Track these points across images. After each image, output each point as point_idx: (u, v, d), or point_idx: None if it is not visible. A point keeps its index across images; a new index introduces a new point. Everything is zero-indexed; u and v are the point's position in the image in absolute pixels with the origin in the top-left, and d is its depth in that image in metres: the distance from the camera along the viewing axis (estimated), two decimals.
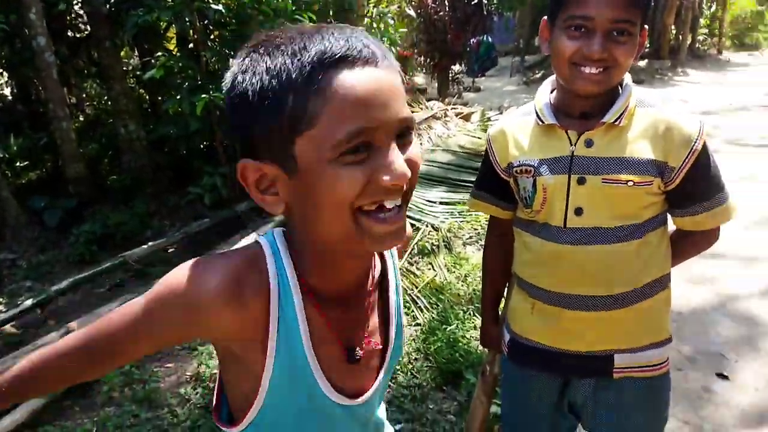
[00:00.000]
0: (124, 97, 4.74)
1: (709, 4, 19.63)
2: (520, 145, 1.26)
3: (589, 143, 1.16)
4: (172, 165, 4.95)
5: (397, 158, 0.64)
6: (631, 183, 1.13)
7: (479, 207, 1.43)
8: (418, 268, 3.69)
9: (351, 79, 0.62)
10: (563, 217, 1.19)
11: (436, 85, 11.29)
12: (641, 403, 1.29)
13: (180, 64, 3.67)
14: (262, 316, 0.73)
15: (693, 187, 1.17)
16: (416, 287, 3.40)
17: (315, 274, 0.76)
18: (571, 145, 1.18)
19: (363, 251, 0.76)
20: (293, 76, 0.62)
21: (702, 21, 19.27)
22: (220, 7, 3.76)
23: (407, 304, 3.22)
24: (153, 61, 3.77)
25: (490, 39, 14.03)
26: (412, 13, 8.30)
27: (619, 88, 1.19)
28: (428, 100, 9.11)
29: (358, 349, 0.80)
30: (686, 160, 1.13)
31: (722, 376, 2.61)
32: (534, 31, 19.20)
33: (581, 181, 1.17)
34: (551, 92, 1.27)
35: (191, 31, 3.90)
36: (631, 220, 1.18)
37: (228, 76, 0.68)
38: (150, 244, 4.03)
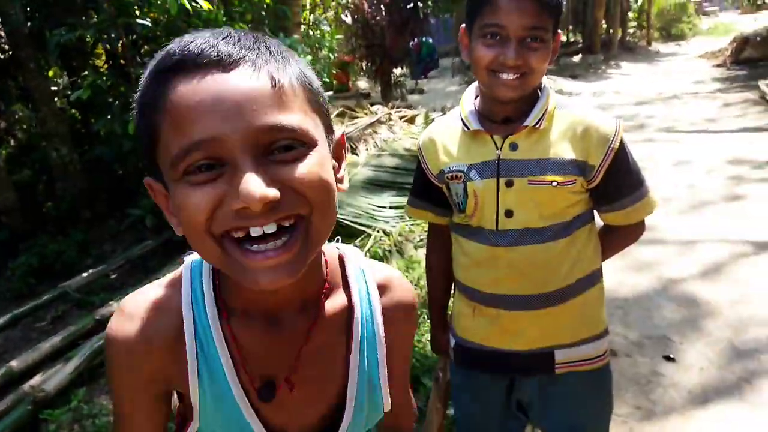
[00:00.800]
0: (54, 119, 4.52)
1: None
2: (449, 151, 1.28)
3: (513, 147, 1.20)
4: (109, 188, 4.76)
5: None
6: (555, 183, 1.17)
7: (417, 214, 1.44)
8: None
9: (184, 88, 0.55)
10: (494, 219, 1.22)
11: (379, 89, 11.33)
12: (585, 396, 1.33)
13: (109, 83, 3.53)
14: (178, 342, 0.69)
15: (614, 183, 1.21)
16: None
17: (233, 292, 0.70)
18: (497, 149, 1.21)
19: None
20: (145, 86, 0.59)
21: (630, 14, 20.11)
22: (147, 21, 3.64)
23: None
24: (79, 80, 3.61)
25: (430, 40, 14.21)
26: (348, 19, 8.30)
27: (538, 91, 1.22)
28: (372, 104, 9.12)
29: (277, 383, 0.72)
30: (605, 158, 1.18)
31: (669, 359, 2.70)
32: None
33: (509, 184, 1.20)
34: (475, 98, 1.30)
35: (119, 47, 3.75)
36: (559, 219, 1.22)
37: None
38: (91, 271, 3.86)
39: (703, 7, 26.08)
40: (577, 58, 16.40)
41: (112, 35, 3.64)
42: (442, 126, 1.35)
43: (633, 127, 7.86)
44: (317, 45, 7.42)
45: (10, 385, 2.70)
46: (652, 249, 3.86)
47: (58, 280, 3.91)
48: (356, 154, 5.89)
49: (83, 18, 3.65)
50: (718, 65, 12.94)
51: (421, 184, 1.38)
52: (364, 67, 11.17)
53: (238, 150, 0.54)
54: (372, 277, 0.81)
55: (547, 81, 1.25)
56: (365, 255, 3.69)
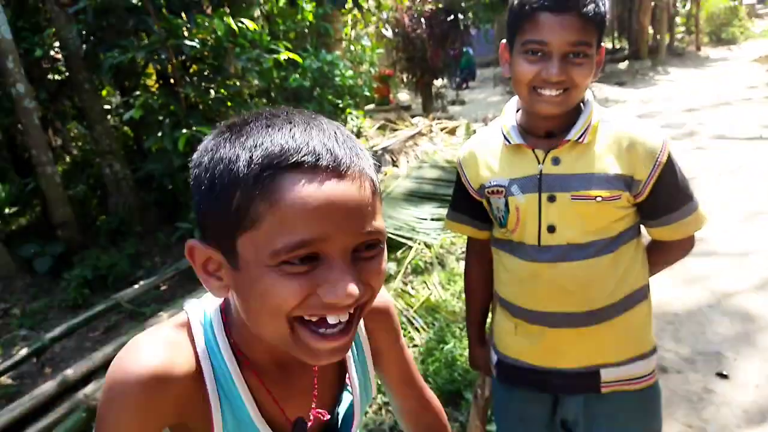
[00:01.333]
0: (107, 137, 4.73)
1: (683, 2, 19.94)
2: (490, 166, 1.27)
3: (556, 161, 1.18)
4: (159, 202, 4.93)
5: (344, 277, 0.59)
6: (599, 198, 1.15)
7: (456, 228, 1.43)
8: (413, 288, 3.67)
9: (301, 189, 0.57)
10: (537, 235, 1.20)
11: (420, 101, 11.37)
12: (632, 415, 1.29)
13: (159, 101, 3.68)
14: (197, 392, 0.69)
15: (662, 198, 1.18)
16: (411, 307, 3.38)
17: (254, 348, 0.73)
18: (539, 163, 1.19)
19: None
20: (244, 171, 0.58)
21: (678, 19, 19.56)
22: (195, 42, 3.78)
23: (404, 326, 3.19)
24: (131, 100, 3.78)
25: (470, 51, 14.18)
26: (388, 33, 8.38)
27: (581, 105, 1.20)
28: (413, 116, 9.16)
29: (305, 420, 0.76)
30: (652, 173, 1.15)
31: (722, 376, 2.59)
32: None
33: (551, 199, 1.18)
34: (517, 111, 1.28)
35: (169, 68, 3.91)
36: (604, 234, 1.19)
37: (197, 150, 0.65)
38: (142, 283, 4.00)
39: (755, 9, 25.12)
40: (623, 65, 16.05)
41: (162, 56, 3.80)
42: (482, 140, 1.33)
43: (683, 134, 7.62)
44: (358, 60, 7.54)
45: (65, 393, 2.82)
46: (705, 261, 3.73)
47: (110, 291, 4.07)
48: (396, 166, 5.93)
49: (135, 40, 3.82)
50: None
51: (460, 198, 1.37)
52: (405, 80, 11.24)
53: (339, 251, 0.59)
54: None
55: (590, 93, 1.23)
56: (407, 267, 3.69)
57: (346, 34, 7.38)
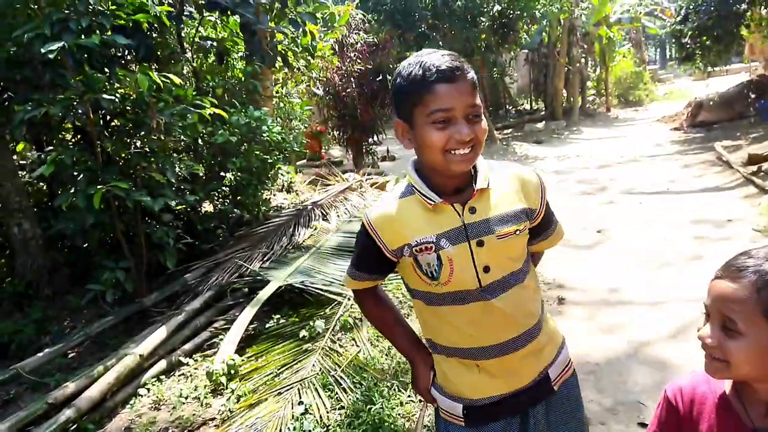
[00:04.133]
0: (17, 194, 4.45)
1: (594, 67, 21.62)
2: (411, 226, 1.34)
3: (472, 210, 1.33)
4: (71, 262, 4.64)
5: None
6: (518, 232, 1.35)
7: (358, 285, 1.51)
8: (341, 346, 3.59)
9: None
10: (476, 278, 1.33)
11: (351, 156, 11.52)
12: (573, 402, 1.51)
13: (73, 157, 3.52)
14: None
15: (546, 219, 1.46)
16: (339, 366, 3.29)
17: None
18: (460, 215, 1.32)
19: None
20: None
21: (589, 83, 21.13)
22: (115, 97, 3.68)
23: (330, 387, 3.09)
24: (43, 155, 3.59)
25: None
26: (319, 91, 8.52)
27: None
28: (344, 171, 9.24)
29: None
30: (542, 202, 1.42)
31: (643, 425, 2.65)
32: None
33: (480, 244, 1.32)
34: (416, 172, 1.38)
35: (87, 123, 3.77)
36: (522, 259, 1.40)
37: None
38: (47, 351, 3.69)
39: (658, 74, 27.58)
40: (541, 125, 17.04)
41: (80, 111, 3.66)
42: (392, 203, 1.39)
43: (596, 189, 8.09)
44: (288, 116, 7.59)
45: None
46: (621, 311, 3.88)
47: (13, 360, 3.73)
48: (327, 221, 5.90)
49: (51, 94, 3.67)
50: (676, 129, 13.54)
51: (368, 260, 1.44)
52: (337, 136, 11.39)
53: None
54: None
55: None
56: (335, 325, 3.60)
57: (276, 92, 7.44)
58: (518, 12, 12.92)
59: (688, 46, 13.59)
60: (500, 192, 1.35)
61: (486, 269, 1.31)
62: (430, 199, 1.32)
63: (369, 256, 1.42)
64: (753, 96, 12.59)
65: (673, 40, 15.06)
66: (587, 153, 11.77)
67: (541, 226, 1.46)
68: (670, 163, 9.50)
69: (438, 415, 1.52)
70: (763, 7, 12.13)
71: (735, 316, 0.97)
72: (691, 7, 12.95)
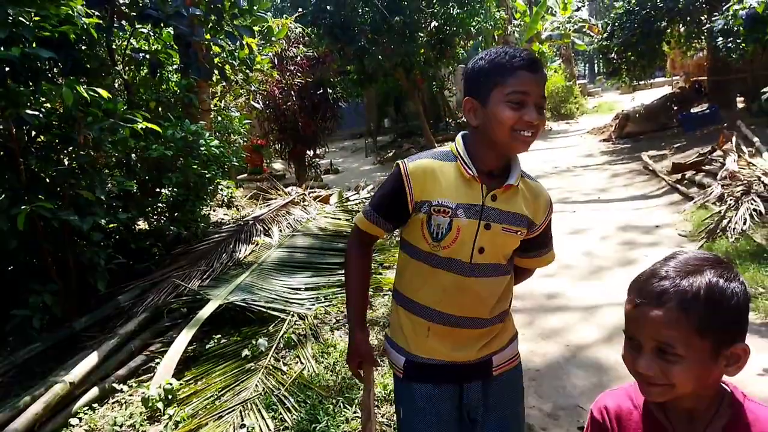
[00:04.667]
0: None
1: None
2: (441, 187, 1.47)
3: (494, 198, 1.47)
4: None
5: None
6: (519, 233, 1.50)
7: (368, 227, 1.60)
8: (285, 363, 3.52)
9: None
10: (470, 254, 1.47)
11: (294, 170, 11.42)
12: (512, 392, 1.63)
13: None
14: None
15: (543, 237, 1.60)
16: (283, 385, 3.22)
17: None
18: (483, 196, 1.46)
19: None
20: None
21: None
22: (39, 112, 3.50)
23: (274, 407, 3.02)
24: None
25: None
26: (258, 105, 8.42)
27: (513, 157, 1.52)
28: (287, 185, 9.14)
29: None
30: (545, 220, 1.57)
31: (582, 429, 2.73)
32: (382, 114, 20.49)
33: (487, 227, 1.46)
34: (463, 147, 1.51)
35: (9, 139, 3.56)
36: (509, 257, 1.56)
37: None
38: None
39: (587, 88, 28.86)
40: None
41: (1, 127, 3.46)
42: (431, 161, 1.51)
43: None
44: (226, 130, 7.45)
45: None
46: (558, 316, 4.00)
47: None
48: (269, 236, 5.81)
49: None
50: (605, 140, 14.17)
51: (388, 203, 1.55)
52: (278, 149, 11.27)
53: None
54: None
55: None
56: (279, 343, 3.53)
57: (214, 105, 7.29)
58: (454, 28, 13.25)
59: (614, 61, 14.30)
60: (522, 195, 1.51)
61: (481, 250, 1.46)
62: (470, 169, 1.45)
63: (393, 198, 1.52)
64: (675, 108, 13.38)
65: (601, 56, 15.80)
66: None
67: (538, 243, 1.60)
68: (601, 173, 9.93)
69: (394, 377, 1.66)
70: (681, 24, 12.95)
71: (672, 341, 0.96)
72: (616, 24, 13.65)
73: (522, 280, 1.76)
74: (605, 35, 14.32)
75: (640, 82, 15.10)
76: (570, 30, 20.98)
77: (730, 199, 5.60)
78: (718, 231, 5.05)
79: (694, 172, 7.71)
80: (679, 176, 7.86)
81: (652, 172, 8.88)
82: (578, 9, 21.25)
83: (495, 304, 1.53)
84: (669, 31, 13.16)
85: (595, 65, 35.55)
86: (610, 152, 12.27)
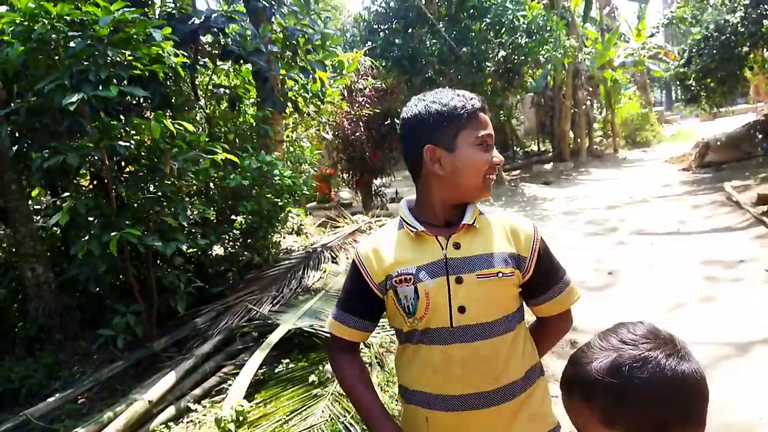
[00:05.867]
0: (31, 239, 4.52)
1: (600, 109, 21.87)
2: (395, 257, 1.36)
3: (456, 246, 1.32)
4: (83, 306, 4.66)
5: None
6: (500, 274, 1.30)
7: (339, 330, 1.44)
8: None
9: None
10: (449, 317, 1.29)
11: (360, 198, 11.62)
12: None
13: (87, 204, 3.59)
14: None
15: (544, 274, 1.38)
16: (349, 413, 3.24)
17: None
18: (443, 249, 1.32)
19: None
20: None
21: (596, 125, 21.33)
22: (130, 143, 3.78)
23: None
24: (58, 202, 3.67)
25: None
26: (328, 136, 8.69)
27: None
28: (353, 213, 9.30)
29: None
30: (533, 250, 1.36)
31: None
32: None
33: (459, 281, 1.29)
34: (409, 209, 1.42)
35: (102, 169, 3.86)
36: (505, 311, 1.33)
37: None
38: (57, 396, 3.68)
39: (664, 115, 27.82)
40: (548, 166, 17.14)
41: (95, 157, 3.76)
42: (381, 236, 1.44)
43: (605, 230, 8.07)
44: (298, 160, 7.71)
45: None
46: None
47: (24, 406, 3.71)
48: (336, 263, 5.91)
49: (68, 141, 3.77)
50: (684, 169, 13.56)
51: (354, 297, 1.43)
52: (346, 179, 11.52)
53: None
54: None
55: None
56: None
57: (287, 136, 7.59)
58: (523, 57, 13.19)
59: (692, 88, 13.76)
60: (488, 232, 1.35)
61: (461, 309, 1.28)
62: (413, 227, 1.35)
63: (357, 290, 1.41)
64: (760, 136, 12.64)
65: (678, 83, 15.24)
66: (596, 193, 11.79)
67: (539, 282, 1.37)
68: (680, 203, 9.49)
69: None
70: (765, 49, 12.31)
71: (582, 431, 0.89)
72: (694, 50, 13.16)
73: (549, 340, 1.51)
74: (682, 62, 13.83)
75: (721, 109, 14.44)
76: (644, 56, 20.38)
77: None
78: None
79: None
80: (765, 208, 7.39)
81: (735, 203, 8.39)
82: (652, 35, 20.61)
83: (500, 373, 1.29)
84: (751, 56, 12.54)
85: (673, 92, 34.24)
86: (690, 182, 11.72)
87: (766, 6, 11.16)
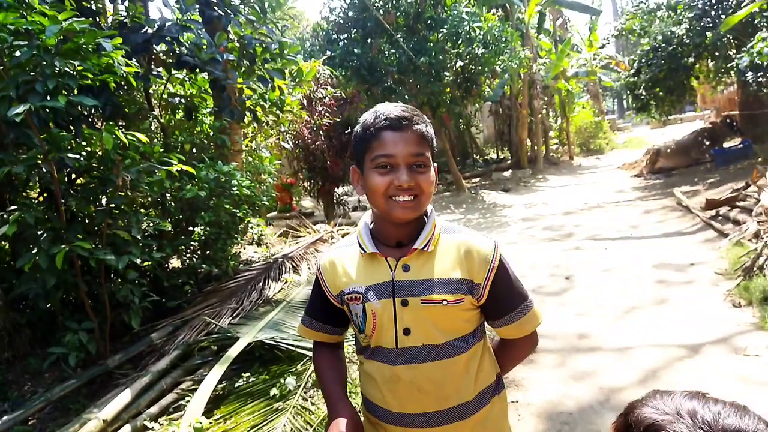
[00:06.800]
0: None
1: (555, 118, 22.44)
2: (348, 273, 1.36)
3: (406, 268, 1.30)
4: (33, 323, 4.48)
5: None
6: (445, 302, 1.27)
7: (309, 334, 1.49)
8: (313, 403, 3.51)
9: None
10: (394, 338, 1.29)
11: (323, 207, 11.57)
12: None
13: (35, 216, 3.45)
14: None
15: (500, 299, 1.32)
16: (311, 425, 3.21)
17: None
18: (392, 270, 1.30)
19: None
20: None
21: (552, 133, 21.87)
22: (80, 155, 3.66)
23: None
24: (3, 215, 3.52)
25: None
26: (288, 145, 8.64)
27: (425, 217, 1.34)
28: (315, 223, 9.25)
29: None
30: (488, 277, 1.29)
31: None
32: None
33: (404, 303, 1.28)
34: (371, 224, 1.39)
35: (51, 181, 3.72)
36: (455, 334, 1.30)
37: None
38: (6, 417, 3.51)
39: (617, 123, 28.73)
40: (507, 173, 17.46)
41: (44, 170, 3.62)
42: (339, 250, 1.43)
43: (562, 235, 8.26)
44: (257, 170, 7.62)
45: None
46: (591, 357, 3.91)
47: None
48: (298, 273, 5.86)
49: (14, 153, 3.63)
50: (636, 175, 14.03)
51: (317, 305, 1.45)
52: (308, 188, 11.46)
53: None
54: None
55: (431, 207, 1.38)
56: (307, 382, 3.52)
57: (246, 146, 7.49)
58: (480, 67, 13.43)
59: (642, 96, 14.29)
60: (441, 257, 1.30)
61: (406, 331, 1.27)
62: (363, 249, 1.33)
63: (317, 299, 1.45)
64: (707, 143, 13.20)
65: (629, 92, 15.79)
66: (553, 200, 12.06)
67: (497, 307, 1.33)
68: (632, 208, 9.79)
69: None
70: (710, 60, 12.89)
71: None
72: (643, 60, 13.68)
73: (513, 360, 1.48)
74: (632, 72, 14.35)
75: (670, 117, 15.05)
76: (596, 67, 21.04)
77: (767, 236, 5.45)
78: (754, 269, 4.91)
79: (728, 208, 7.55)
80: (713, 212, 7.70)
81: (685, 208, 8.72)
82: (603, 46, 21.33)
83: (447, 394, 1.28)
84: (697, 66, 13.12)
85: (624, 101, 35.41)
86: (642, 188, 12.12)
87: (708, 19, 11.70)
